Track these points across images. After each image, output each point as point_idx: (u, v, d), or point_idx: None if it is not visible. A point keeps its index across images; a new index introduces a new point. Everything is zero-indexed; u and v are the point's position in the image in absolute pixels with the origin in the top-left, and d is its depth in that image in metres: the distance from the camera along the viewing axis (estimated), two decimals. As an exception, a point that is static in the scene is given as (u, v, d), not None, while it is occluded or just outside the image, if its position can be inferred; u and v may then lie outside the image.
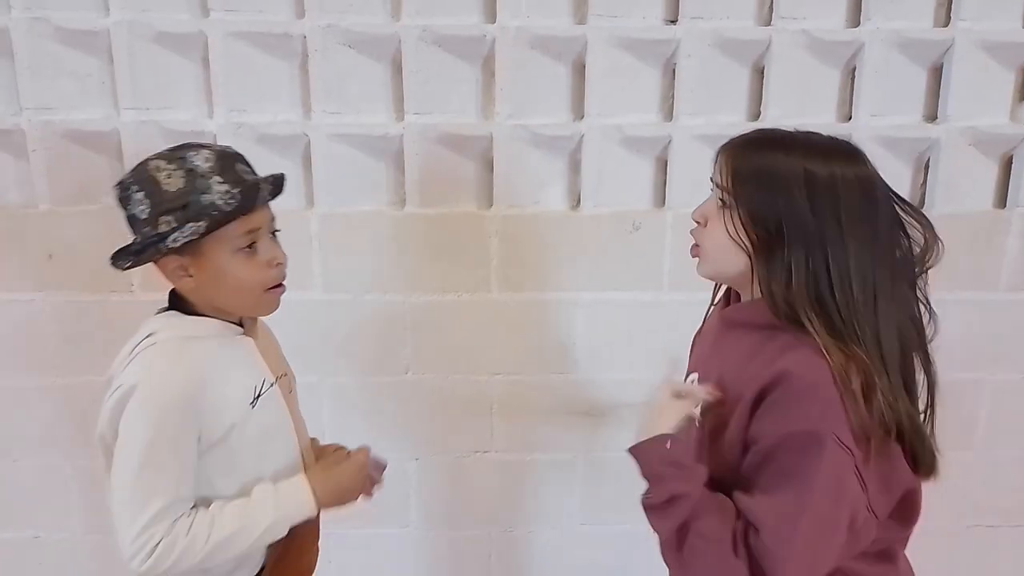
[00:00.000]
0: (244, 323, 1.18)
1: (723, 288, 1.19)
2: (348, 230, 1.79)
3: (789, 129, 1.03)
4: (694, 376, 1.15)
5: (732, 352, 1.06)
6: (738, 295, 1.12)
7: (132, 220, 1.07)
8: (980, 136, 1.78)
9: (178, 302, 1.14)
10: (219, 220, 1.03)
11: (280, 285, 1.14)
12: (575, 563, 2.05)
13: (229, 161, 1.07)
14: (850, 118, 1.78)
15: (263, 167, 1.13)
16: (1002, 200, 1.85)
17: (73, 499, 1.93)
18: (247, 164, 1.10)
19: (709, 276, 1.09)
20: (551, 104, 1.76)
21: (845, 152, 0.99)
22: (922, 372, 1.03)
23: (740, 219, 0.98)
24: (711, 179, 1.05)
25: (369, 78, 1.73)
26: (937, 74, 1.78)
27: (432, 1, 1.68)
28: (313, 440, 1.39)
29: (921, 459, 0.99)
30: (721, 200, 1.01)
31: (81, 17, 1.66)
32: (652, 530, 1.01)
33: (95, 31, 1.66)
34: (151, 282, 1.76)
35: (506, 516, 2.02)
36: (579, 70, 1.75)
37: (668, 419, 1.02)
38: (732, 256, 1.00)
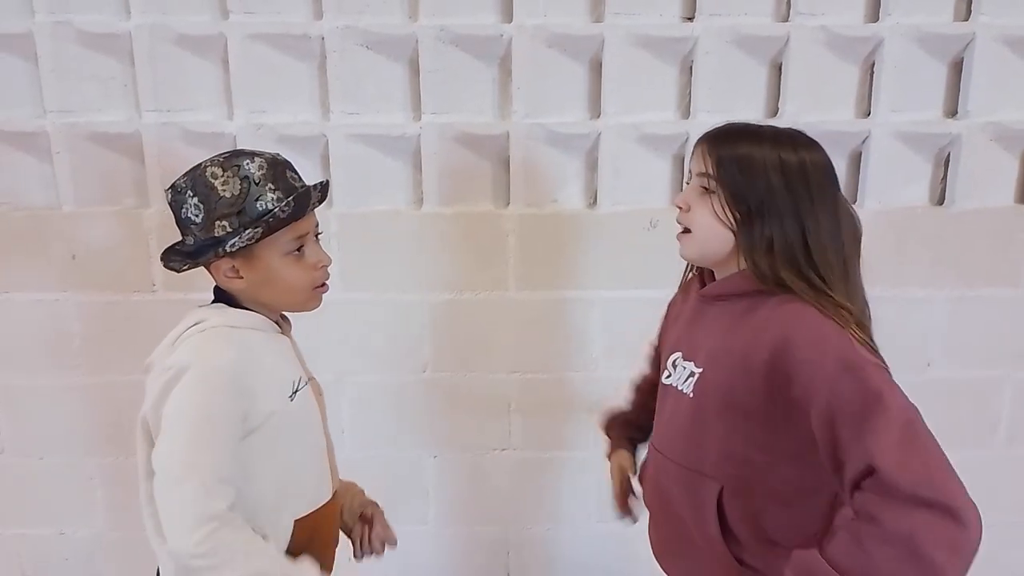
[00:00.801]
0: (280, 325, 1.22)
1: (690, 270, 1.28)
2: (366, 230, 1.81)
3: (755, 123, 1.14)
4: (678, 355, 1.20)
5: (718, 322, 1.13)
6: (712, 275, 1.19)
7: (185, 223, 1.11)
8: (1001, 131, 1.77)
9: (223, 296, 1.18)
10: (274, 226, 1.08)
11: (325, 284, 1.19)
12: (592, 561, 2.06)
13: (280, 169, 1.12)
14: (869, 114, 1.77)
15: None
16: (1024, 196, 1.84)
17: (97, 496, 1.96)
18: (295, 171, 1.15)
19: (694, 256, 1.17)
20: (568, 103, 1.77)
21: (807, 141, 1.10)
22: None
23: (724, 200, 1.07)
24: (690, 169, 1.15)
25: (387, 78, 1.74)
26: (957, 69, 1.77)
27: (449, 1, 1.69)
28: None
29: None
30: (704, 186, 1.10)
31: (103, 21, 1.68)
32: None
33: (117, 34, 1.68)
34: (173, 282, 1.80)
35: (524, 514, 2.03)
36: (596, 68, 1.75)
37: None
38: (718, 235, 1.09)
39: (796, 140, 1.09)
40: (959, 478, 0.90)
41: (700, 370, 1.13)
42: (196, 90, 1.74)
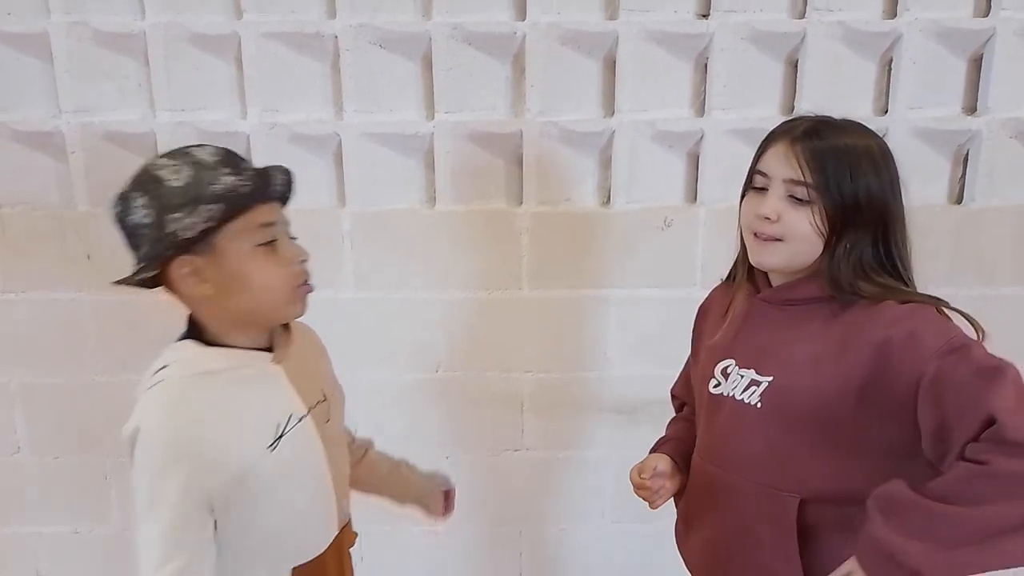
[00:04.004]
0: (274, 346, 1.08)
1: (736, 274, 1.21)
2: (380, 228, 1.80)
3: (819, 115, 1.09)
4: (729, 362, 1.14)
5: (793, 328, 1.08)
6: (765, 277, 1.14)
7: (135, 231, 0.98)
8: (1021, 128, 1.74)
9: (196, 331, 1.05)
10: (236, 204, 0.95)
11: (307, 283, 1.06)
12: (606, 561, 2.04)
13: (233, 157, 1.01)
14: (886, 111, 1.75)
15: (296, 166, 1.12)
16: (1044, 193, 1.81)
17: (112, 495, 1.97)
18: (248, 163, 1.04)
19: (781, 266, 1.10)
20: (582, 100, 1.76)
21: (869, 128, 1.08)
22: None
23: (823, 208, 1.02)
24: (760, 170, 1.08)
25: (400, 76, 1.74)
26: (977, 65, 1.74)
27: (463, -2, 1.68)
28: (402, 462, 1.45)
29: None
30: (792, 194, 1.04)
31: (118, 20, 1.68)
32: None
33: (132, 33, 1.69)
34: (187, 281, 1.80)
35: (537, 514, 2.02)
36: (610, 65, 1.74)
37: None
38: (813, 245, 1.05)
39: (866, 127, 1.07)
40: None
41: (768, 379, 1.08)
42: (210, 89, 1.74)
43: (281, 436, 1.03)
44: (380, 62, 1.72)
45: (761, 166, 1.08)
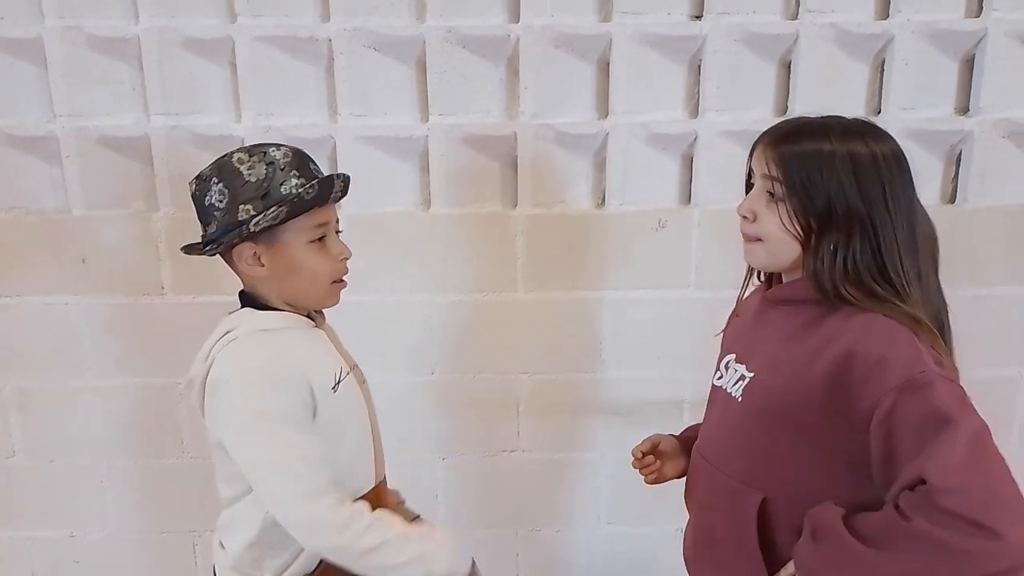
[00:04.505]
0: (313, 318, 1.21)
1: (755, 273, 1.21)
2: (374, 231, 1.81)
3: (817, 116, 1.08)
4: (731, 356, 1.16)
5: (780, 328, 1.09)
6: (779, 276, 1.14)
7: (208, 210, 1.11)
8: (1014, 128, 1.75)
9: (249, 300, 1.18)
10: (300, 207, 1.09)
11: (343, 280, 1.19)
12: (602, 562, 2.05)
13: (304, 159, 1.14)
14: (879, 112, 1.76)
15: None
16: (1037, 193, 1.81)
17: (108, 498, 1.96)
18: (317, 164, 1.17)
19: (764, 265, 1.12)
20: (576, 103, 1.76)
21: (876, 131, 1.04)
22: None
23: (792, 211, 1.02)
24: (751, 172, 1.09)
25: (394, 80, 1.74)
26: (969, 66, 1.75)
27: (456, 2, 1.68)
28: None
29: None
30: (770, 192, 1.04)
31: (112, 25, 1.69)
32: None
33: (125, 38, 1.69)
34: (182, 285, 1.81)
35: (533, 515, 2.02)
36: (604, 68, 1.74)
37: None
38: (788, 246, 1.05)
39: (865, 131, 1.03)
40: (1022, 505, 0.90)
41: (751, 375, 1.10)
42: (204, 93, 1.74)
43: (339, 381, 1.16)
44: (374, 65, 1.72)
45: (751, 166, 1.11)
